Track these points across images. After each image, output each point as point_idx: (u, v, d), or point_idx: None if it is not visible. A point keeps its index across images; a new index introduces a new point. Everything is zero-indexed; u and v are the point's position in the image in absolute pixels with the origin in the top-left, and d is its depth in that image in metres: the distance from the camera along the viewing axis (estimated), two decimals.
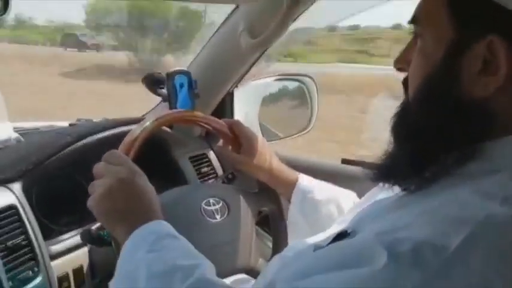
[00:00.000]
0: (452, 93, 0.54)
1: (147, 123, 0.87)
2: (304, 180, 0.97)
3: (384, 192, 0.65)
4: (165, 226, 0.71)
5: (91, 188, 0.73)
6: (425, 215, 0.49)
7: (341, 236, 0.61)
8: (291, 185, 0.96)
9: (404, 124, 0.60)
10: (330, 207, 0.94)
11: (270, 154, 0.97)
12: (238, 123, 0.98)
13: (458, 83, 0.53)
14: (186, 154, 1.30)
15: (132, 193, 0.72)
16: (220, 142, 1.02)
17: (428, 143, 0.55)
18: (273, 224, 1.00)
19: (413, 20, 0.60)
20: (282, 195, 0.98)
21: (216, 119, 0.98)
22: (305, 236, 0.89)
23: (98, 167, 0.75)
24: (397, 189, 0.60)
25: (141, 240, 0.67)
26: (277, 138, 1.47)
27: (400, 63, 0.63)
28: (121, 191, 0.71)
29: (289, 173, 0.98)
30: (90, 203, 0.72)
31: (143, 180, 0.74)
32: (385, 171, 0.61)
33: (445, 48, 0.54)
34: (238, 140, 0.96)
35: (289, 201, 0.96)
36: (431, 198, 0.52)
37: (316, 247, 0.62)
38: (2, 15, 0.66)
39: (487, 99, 0.52)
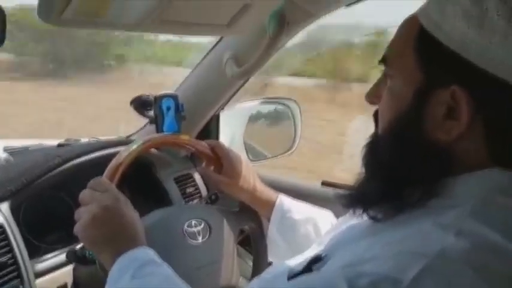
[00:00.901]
0: (418, 135, 0.57)
1: (133, 147, 0.90)
2: (283, 201, 1.00)
3: (356, 219, 0.68)
4: (148, 253, 0.74)
5: (77, 215, 0.76)
6: (389, 246, 0.52)
7: (315, 260, 0.64)
8: (271, 204, 0.99)
9: (373, 156, 0.63)
10: (308, 226, 0.97)
11: (252, 175, 1.00)
12: (220, 144, 1.01)
13: (425, 126, 0.56)
14: (171, 175, 1.32)
15: (117, 220, 0.75)
16: (204, 163, 1.04)
17: (394, 177, 0.59)
18: (253, 243, 1.02)
19: (384, 60, 0.63)
20: (263, 215, 1.01)
21: (199, 141, 1.02)
22: (284, 254, 0.94)
23: (84, 194, 0.78)
24: (366, 216, 0.63)
25: (125, 267, 0.70)
26: (262, 158, 1.51)
27: (371, 98, 0.66)
28: (106, 218, 0.74)
29: (270, 193, 1.01)
30: (77, 229, 0.75)
31: (127, 207, 0.78)
32: (355, 198, 0.64)
33: (413, 92, 0.57)
34: (220, 161, 0.99)
35: (268, 220, 0.99)
36: (395, 229, 0.56)
37: (291, 272, 0.65)
38: None
39: (451, 143, 0.55)
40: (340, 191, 0.68)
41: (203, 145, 1.01)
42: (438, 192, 0.56)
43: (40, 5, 0.67)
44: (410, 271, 0.47)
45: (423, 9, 0.58)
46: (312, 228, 0.97)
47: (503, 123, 0.53)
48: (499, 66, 0.51)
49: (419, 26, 0.57)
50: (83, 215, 0.75)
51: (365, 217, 0.63)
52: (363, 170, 0.64)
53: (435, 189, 0.56)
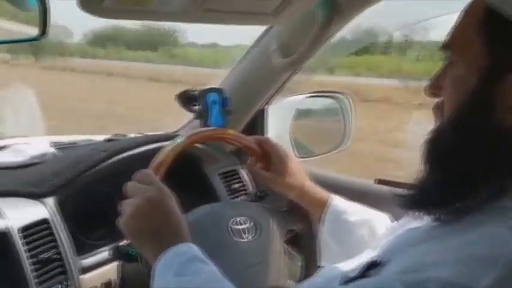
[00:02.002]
0: (487, 124, 0.52)
1: (178, 141, 0.88)
2: (336, 201, 0.95)
3: (415, 221, 0.64)
4: (192, 249, 0.71)
5: (121, 207, 0.75)
6: (454, 251, 0.48)
7: (372, 265, 0.60)
8: (322, 204, 0.95)
9: (436, 152, 0.59)
10: (362, 230, 0.92)
11: (301, 172, 0.96)
12: (268, 140, 0.98)
13: (494, 114, 0.52)
14: (217, 170, 1.30)
15: (161, 214, 0.73)
16: (250, 159, 1.01)
17: (460, 173, 0.54)
18: (303, 244, 0.99)
19: (445, 46, 0.59)
20: (313, 215, 0.97)
21: (246, 137, 0.98)
22: (335, 257, 0.90)
23: (129, 187, 0.77)
24: (427, 218, 0.59)
25: (169, 264, 0.68)
26: (310, 155, 1.46)
27: (432, 89, 0.62)
28: (150, 210, 0.73)
29: (320, 192, 0.96)
30: (120, 222, 0.74)
31: (172, 201, 0.76)
32: (416, 199, 0.60)
33: (479, 77, 0.53)
34: (268, 157, 0.96)
35: (319, 221, 0.95)
36: (462, 232, 0.51)
37: (345, 277, 0.62)
38: (41, 38, 0.69)
39: None
40: (397, 190, 0.62)
41: (250, 140, 0.97)
42: (510, 191, 0.51)
43: None
44: (483, 279, 0.43)
45: None
46: (367, 231, 0.92)
47: None
48: None
49: (485, 7, 0.53)
50: (127, 207, 0.74)
51: (426, 219, 0.59)
52: (424, 168, 0.60)
53: (506, 188, 0.51)
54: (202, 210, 0.93)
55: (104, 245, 1.06)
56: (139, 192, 0.75)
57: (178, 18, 0.79)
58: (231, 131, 0.99)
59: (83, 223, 1.05)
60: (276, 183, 0.95)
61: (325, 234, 0.94)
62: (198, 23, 0.82)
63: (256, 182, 1.35)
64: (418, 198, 0.60)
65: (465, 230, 0.51)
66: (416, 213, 0.59)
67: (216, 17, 0.83)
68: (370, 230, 0.92)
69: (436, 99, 0.62)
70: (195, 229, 0.79)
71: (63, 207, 0.99)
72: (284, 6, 0.87)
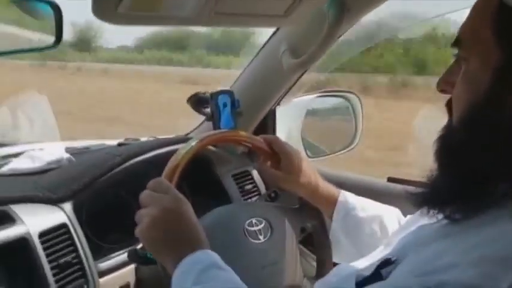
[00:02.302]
0: (500, 121, 0.52)
1: (191, 145, 0.88)
2: (346, 197, 0.95)
3: (427, 218, 0.63)
4: (210, 256, 0.71)
5: (137, 217, 0.75)
6: (469, 252, 0.47)
7: (385, 263, 0.60)
8: (333, 201, 0.94)
9: (448, 149, 0.58)
10: (373, 225, 0.92)
11: (310, 170, 0.96)
12: (276, 139, 0.97)
13: (507, 110, 0.51)
14: (230, 172, 1.31)
15: (178, 222, 0.73)
16: (261, 159, 1.01)
17: (473, 170, 0.54)
18: (316, 241, 0.98)
19: (457, 43, 0.58)
20: (324, 213, 0.96)
21: (255, 137, 0.99)
22: (348, 254, 0.91)
23: (144, 196, 0.76)
24: (440, 216, 0.58)
25: (187, 272, 0.68)
26: (321, 155, 1.46)
27: (443, 86, 0.62)
28: (166, 220, 0.73)
29: (330, 189, 0.96)
30: (137, 232, 0.74)
31: (188, 209, 0.75)
32: (429, 196, 0.59)
33: (492, 73, 0.52)
34: (278, 156, 0.96)
35: (330, 218, 0.95)
36: (477, 230, 0.50)
37: (359, 276, 0.61)
38: (55, 46, 0.70)
39: None
40: (409, 188, 0.62)
41: (259, 140, 0.98)
42: None
43: (94, 1, 0.66)
44: (503, 280, 0.42)
45: None
46: (378, 227, 0.92)
47: None
48: None
49: (497, 2, 0.52)
50: (143, 218, 0.74)
51: (438, 217, 0.58)
52: (436, 165, 0.59)
53: None
54: (217, 213, 0.92)
55: (120, 249, 1.07)
56: (155, 201, 0.74)
57: (190, 22, 0.80)
58: (241, 132, 0.99)
59: (98, 227, 1.07)
60: (286, 181, 0.95)
61: (336, 230, 0.94)
62: (210, 26, 0.83)
63: (266, 181, 1.35)
64: (429, 195, 0.59)
65: (479, 229, 0.50)
66: (430, 210, 0.59)
67: (228, 19, 0.84)
68: (381, 226, 0.92)
69: (447, 95, 0.61)
70: (211, 233, 0.79)
71: (79, 211, 1.00)
72: (295, 6, 0.87)
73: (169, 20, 0.78)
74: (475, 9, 0.56)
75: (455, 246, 0.50)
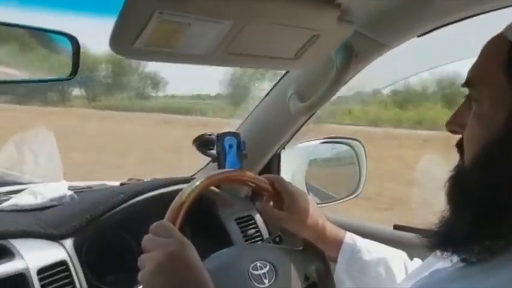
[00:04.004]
0: None
1: (196, 184, 0.87)
2: (351, 239, 0.93)
3: (441, 262, 0.62)
4: None
5: (140, 263, 0.72)
6: None
7: None
8: (338, 243, 0.93)
9: (461, 190, 0.58)
10: (379, 268, 0.90)
11: (314, 211, 0.94)
12: (279, 179, 0.96)
13: None
14: (233, 215, 1.29)
15: (183, 268, 0.71)
16: (263, 199, 1.00)
17: (487, 212, 0.53)
18: (320, 283, 0.96)
19: (468, 83, 0.58)
20: (328, 255, 0.94)
21: (258, 176, 0.98)
22: None
23: (147, 240, 0.74)
24: (455, 259, 0.57)
25: None
26: (325, 202, 1.45)
27: (453, 126, 0.62)
28: (171, 266, 0.70)
29: (335, 231, 0.94)
30: (141, 277, 0.71)
31: (193, 254, 0.73)
32: (442, 239, 0.58)
33: (505, 114, 0.52)
34: (280, 196, 0.94)
35: (335, 260, 0.92)
36: (493, 272, 0.49)
37: None
38: (71, 78, 0.71)
39: None
40: (414, 235, 0.61)
41: (262, 180, 0.96)
42: None
43: (113, 35, 0.67)
44: None
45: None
46: (383, 270, 0.90)
47: None
48: None
49: (508, 44, 0.53)
50: (147, 263, 0.71)
51: (453, 260, 0.57)
52: (448, 207, 0.58)
53: None
54: (221, 257, 0.91)
55: None
56: (159, 246, 0.72)
57: (204, 61, 0.81)
58: (245, 172, 0.98)
59: (98, 267, 1.04)
60: (289, 221, 0.93)
61: (340, 273, 0.91)
62: (223, 65, 0.84)
63: (269, 222, 1.33)
64: (443, 238, 0.58)
65: (496, 271, 0.49)
66: (444, 253, 0.57)
67: (240, 60, 0.85)
68: (387, 269, 0.90)
69: (458, 136, 0.61)
70: (216, 277, 0.76)
71: (80, 249, 0.98)
72: (304, 50, 0.89)
73: (183, 57, 0.79)
74: (485, 51, 0.57)
75: None
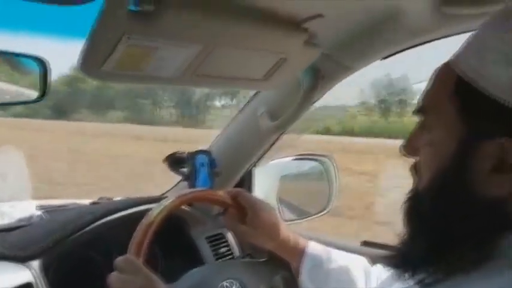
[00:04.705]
0: (465, 190, 0.53)
1: (165, 204, 0.86)
2: (314, 249, 0.95)
3: (401, 281, 0.62)
4: None
5: None
6: None
7: None
8: (300, 253, 0.94)
9: (415, 213, 0.59)
10: (340, 276, 0.92)
11: (276, 223, 0.95)
12: (241, 192, 0.96)
13: (472, 179, 0.52)
14: (204, 233, 1.29)
15: None
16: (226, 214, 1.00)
17: (440, 236, 0.54)
18: None
19: (420, 110, 0.60)
20: (292, 264, 0.95)
21: (219, 192, 0.97)
22: None
23: (113, 279, 0.73)
24: (412, 280, 0.58)
25: None
26: (296, 219, 1.46)
27: (407, 151, 0.63)
28: None
29: (298, 241, 0.96)
30: None
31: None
32: (400, 261, 0.59)
33: (455, 144, 0.53)
34: (244, 210, 0.95)
35: (297, 271, 0.94)
36: None
37: None
38: (39, 100, 0.71)
39: (503, 199, 0.51)
40: (382, 252, 0.63)
41: (223, 196, 0.97)
42: (493, 252, 0.51)
43: (82, 58, 0.68)
44: None
45: (459, 57, 0.56)
46: (345, 277, 0.92)
47: None
48: None
49: (456, 74, 0.54)
50: None
51: (410, 282, 0.58)
52: (406, 229, 0.60)
53: (490, 249, 0.51)
54: (190, 280, 0.91)
55: None
56: (126, 284, 0.72)
57: (173, 82, 0.83)
58: (216, 191, 0.99)
59: (65, 287, 1.02)
60: (253, 235, 0.94)
61: (304, 282, 0.93)
62: (192, 86, 0.86)
63: (243, 245, 1.34)
64: (401, 260, 0.59)
65: None
66: (402, 275, 0.58)
67: (209, 81, 0.87)
68: (348, 276, 0.92)
69: (412, 159, 0.62)
70: None
71: (47, 271, 0.96)
72: (273, 72, 0.92)
73: (152, 79, 0.80)
74: (436, 81, 0.58)
75: None
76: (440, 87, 0.57)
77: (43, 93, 0.71)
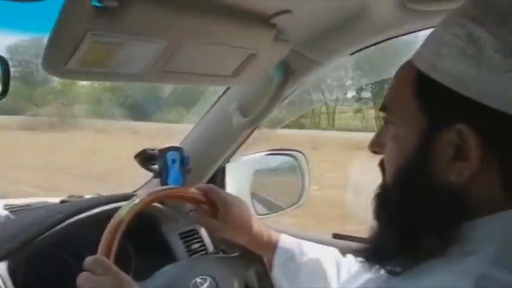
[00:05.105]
0: (428, 180, 0.55)
1: (135, 202, 0.85)
2: (285, 242, 0.96)
3: (371, 271, 0.65)
4: None
5: None
6: None
7: None
8: (272, 247, 0.95)
9: (383, 208, 0.61)
10: (312, 268, 0.94)
11: (247, 218, 0.96)
12: (211, 188, 0.97)
13: (434, 170, 0.55)
14: (176, 230, 1.28)
15: None
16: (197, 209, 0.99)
17: (408, 227, 0.57)
18: (260, 284, 0.98)
19: (384, 108, 0.62)
20: (265, 258, 0.97)
21: (190, 189, 0.97)
22: None
23: (82, 279, 0.73)
24: (383, 271, 0.60)
25: None
26: (269, 213, 1.47)
27: (374, 147, 0.65)
28: None
29: (270, 235, 0.97)
30: None
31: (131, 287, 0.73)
32: (371, 253, 0.62)
33: (418, 136, 0.56)
34: (215, 205, 0.95)
35: (271, 264, 0.95)
36: (415, 280, 0.53)
37: None
38: (0, 99, 0.70)
39: (463, 185, 0.54)
40: (353, 244, 0.64)
41: (193, 191, 0.96)
42: (456, 239, 0.53)
43: (45, 55, 0.66)
44: None
45: (418, 54, 0.59)
46: (316, 269, 0.94)
47: None
48: (501, 101, 0.51)
49: (416, 70, 0.57)
50: None
51: (381, 272, 0.61)
52: (375, 223, 0.62)
53: (452, 236, 0.54)
54: (161, 278, 0.90)
55: None
56: (96, 285, 0.72)
57: (140, 78, 0.82)
58: (187, 188, 0.98)
59: None
60: (224, 230, 0.95)
61: (277, 276, 0.95)
62: (160, 82, 0.85)
63: (216, 241, 1.34)
64: (372, 253, 0.61)
65: (415, 279, 0.53)
66: (373, 267, 0.61)
67: (177, 77, 0.87)
68: (319, 268, 0.94)
69: (380, 156, 0.65)
70: None
71: (15, 272, 0.94)
72: (242, 68, 0.92)
73: (118, 76, 0.79)
74: (397, 79, 0.61)
75: None
76: (402, 84, 0.59)
77: (5, 91, 0.69)
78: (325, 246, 0.99)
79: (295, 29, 0.93)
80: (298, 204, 1.47)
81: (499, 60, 0.51)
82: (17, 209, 1.17)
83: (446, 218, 0.54)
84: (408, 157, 0.57)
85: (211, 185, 0.99)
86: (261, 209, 1.46)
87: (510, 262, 0.49)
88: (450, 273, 0.50)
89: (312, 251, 0.96)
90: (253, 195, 1.46)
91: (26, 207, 1.20)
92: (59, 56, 0.67)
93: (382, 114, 0.64)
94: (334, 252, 0.98)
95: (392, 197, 0.59)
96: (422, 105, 0.56)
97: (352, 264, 0.93)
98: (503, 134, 0.52)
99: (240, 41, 0.85)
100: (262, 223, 0.99)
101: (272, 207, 1.50)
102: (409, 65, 0.59)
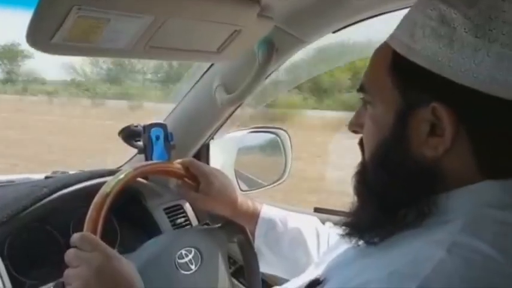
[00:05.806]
0: (404, 157, 0.58)
1: (120, 177, 0.86)
2: (266, 213, 1.00)
3: (350, 242, 0.68)
4: None
5: (66, 279, 0.72)
6: (382, 268, 0.52)
7: (314, 283, 0.67)
8: (254, 217, 0.99)
9: (363, 185, 0.64)
10: (293, 238, 0.98)
11: (229, 189, 0.99)
12: (193, 162, 0.99)
13: (410, 146, 0.58)
14: (161, 205, 1.30)
15: (111, 281, 0.72)
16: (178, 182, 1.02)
17: (386, 202, 0.60)
18: (243, 254, 1.01)
19: (362, 88, 0.65)
20: (248, 229, 1.00)
21: (172, 163, 0.99)
22: (273, 265, 1.00)
23: (70, 256, 0.73)
24: (361, 242, 0.63)
25: None
26: (253, 189, 1.50)
27: (353, 127, 0.68)
28: (99, 281, 0.70)
29: (252, 206, 1.00)
30: None
31: (119, 263, 0.74)
32: (351, 226, 0.65)
33: (394, 115, 0.59)
34: (196, 178, 0.97)
35: (253, 234, 0.99)
36: (390, 250, 0.57)
37: None
38: None
39: (438, 160, 0.56)
40: (334, 217, 0.67)
41: (176, 166, 0.98)
42: (431, 210, 0.56)
43: (30, 30, 0.67)
44: None
45: (393, 35, 0.61)
46: (298, 237, 0.98)
47: (488, 134, 0.55)
48: (473, 79, 0.53)
49: (392, 51, 0.59)
50: (73, 281, 0.71)
51: (359, 243, 0.64)
52: (355, 199, 0.65)
53: (428, 207, 0.56)
54: (147, 250, 0.92)
55: (44, 284, 1.03)
56: (84, 262, 0.72)
57: (125, 54, 0.82)
58: (172, 163, 1.00)
59: (22, 262, 1.02)
60: (205, 202, 0.97)
61: (260, 246, 0.98)
62: (145, 58, 0.86)
63: (200, 215, 1.36)
64: (352, 227, 0.64)
65: (391, 248, 0.56)
66: (352, 239, 0.64)
67: (162, 53, 0.87)
68: (300, 237, 0.97)
69: (360, 135, 0.68)
70: (144, 273, 0.79)
71: (1, 245, 0.96)
72: (226, 44, 0.93)
73: (104, 51, 0.80)
74: (373, 60, 0.64)
75: (372, 265, 0.56)
76: (378, 65, 0.62)
77: None
78: (306, 215, 1.03)
79: (279, 6, 0.94)
80: (281, 181, 1.50)
81: (470, 39, 0.53)
82: (1, 184, 1.17)
83: (422, 191, 0.57)
84: (385, 135, 0.60)
85: (192, 159, 1.01)
86: (244, 186, 1.48)
87: (479, 230, 0.52)
88: (424, 241, 0.53)
89: (293, 220, 1.00)
90: (237, 173, 1.48)
91: (11, 183, 1.20)
92: (44, 30, 0.68)
93: (360, 94, 0.66)
94: (315, 220, 1.02)
95: (371, 174, 0.62)
96: (398, 85, 0.58)
97: (331, 235, 0.96)
98: (476, 111, 0.54)
99: (224, 17, 0.86)
100: (245, 195, 1.01)
101: (256, 184, 1.52)
102: (385, 46, 0.62)
